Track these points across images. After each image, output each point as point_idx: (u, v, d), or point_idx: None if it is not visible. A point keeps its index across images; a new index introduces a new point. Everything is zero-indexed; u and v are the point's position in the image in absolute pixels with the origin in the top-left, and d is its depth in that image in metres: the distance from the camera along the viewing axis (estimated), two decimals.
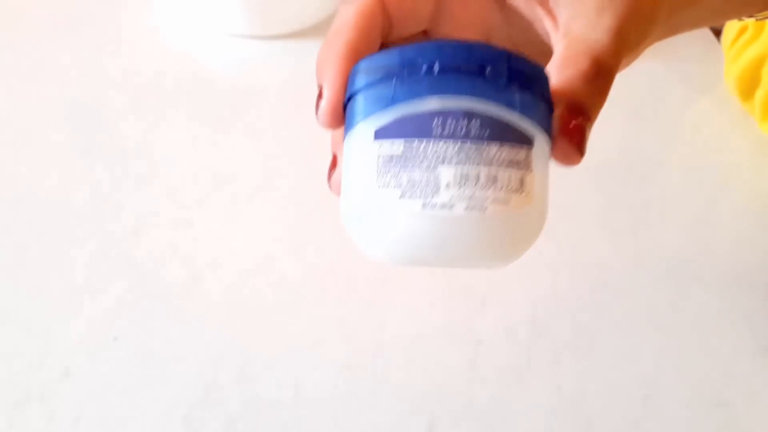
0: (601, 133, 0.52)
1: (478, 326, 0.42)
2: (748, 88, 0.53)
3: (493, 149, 0.22)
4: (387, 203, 0.22)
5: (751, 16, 0.34)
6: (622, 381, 0.41)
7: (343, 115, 0.25)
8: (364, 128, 0.23)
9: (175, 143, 0.50)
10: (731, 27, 0.54)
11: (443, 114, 0.22)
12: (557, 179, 0.49)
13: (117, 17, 0.58)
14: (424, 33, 0.29)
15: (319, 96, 0.25)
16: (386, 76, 0.23)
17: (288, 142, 0.50)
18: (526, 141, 0.23)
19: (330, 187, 0.26)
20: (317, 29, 0.57)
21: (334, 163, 0.26)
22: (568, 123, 0.24)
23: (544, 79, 0.24)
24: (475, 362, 0.41)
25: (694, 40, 0.59)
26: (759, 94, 0.52)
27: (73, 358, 0.40)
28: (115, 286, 0.43)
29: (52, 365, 0.39)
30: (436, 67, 0.23)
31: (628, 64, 0.30)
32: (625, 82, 0.56)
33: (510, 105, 0.23)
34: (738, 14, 0.34)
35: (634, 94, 0.55)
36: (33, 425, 0.38)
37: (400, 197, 0.22)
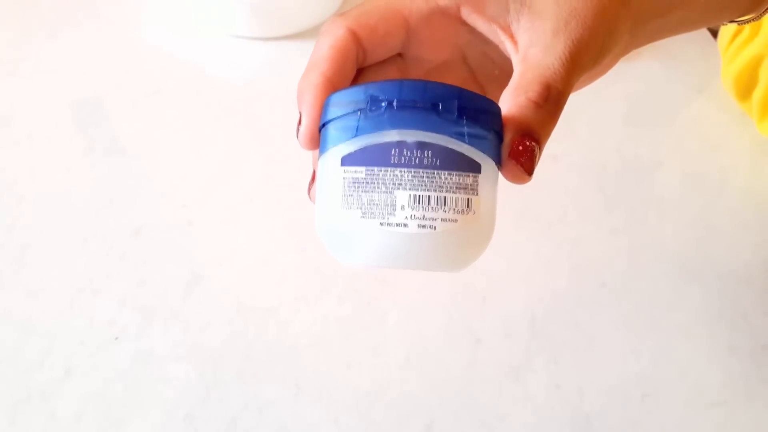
0: (599, 133, 0.53)
1: (477, 326, 0.42)
2: (745, 88, 0.53)
3: (444, 176, 0.25)
4: (350, 222, 0.26)
5: (732, 21, 0.34)
6: (621, 380, 0.41)
7: (318, 138, 0.28)
8: (333, 155, 0.26)
9: (177, 143, 0.50)
10: (728, 27, 0.54)
11: (400, 145, 0.26)
12: (555, 179, 0.49)
13: (119, 18, 0.58)
14: (400, 55, 0.31)
15: (299, 122, 0.28)
16: (352, 110, 0.26)
17: (288, 141, 0.50)
18: (473, 168, 0.26)
19: (310, 198, 0.29)
20: (317, 31, 0.57)
21: (313, 178, 0.29)
22: (517, 146, 0.26)
23: (494, 112, 0.27)
24: (474, 361, 0.41)
25: (691, 41, 0.59)
26: (757, 93, 0.52)
27: (75, 357, 0.40)
28: (116, 286, 0.43)
29: (54, 365, 0.40)
30: (395, 104, 0.26)
31: (597, 76, 0.31)
32: (623, 82, 0.56)
33: (459, 137, 0.26)
34: (715, 21, 0.35)
35: (632, 95, 0.55)
36: (34, 424, 0.38)
37: (361, 216, 0.25)
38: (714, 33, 0.59)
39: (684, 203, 0.49)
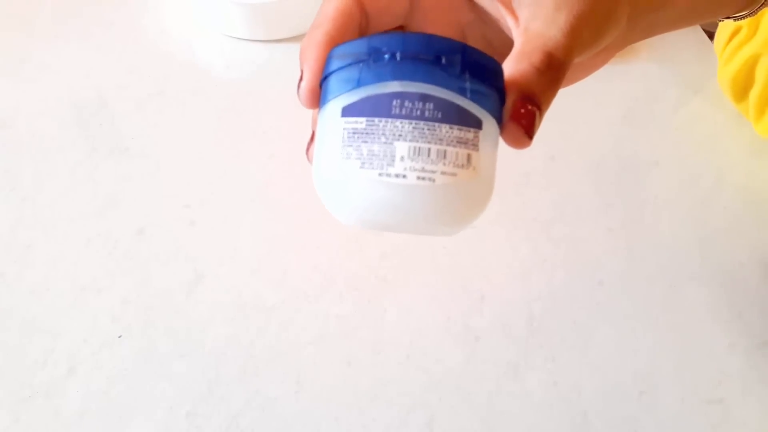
0: (596, 133, 0.53)
1: (476, 323, 0.43)
2: (742, 88, 0.53)
3: (444, 129, 0.25)
4: (349, 172, 0.25)
5: (728, 17, 0.35)
6: (618, 377, 0.41)
7: (319, 95, 0.27)
8: (334, 105, 0.26)
9: (179, 144, 0.51)
10: (724, 29, 0.55)
11: (402, 96, 0.25)
12: (553, 179, 0.49)
13: (121, 20, 0.59)
14: (401, 28, 0.31)
15: (300, 78, 0.28)
16: (355, 62, 0.26)
17: (289, 142, 0.51)
18: (474, 124, 0.25)
19: (307, 158, 0.29)
20: None
21: (312, 138, 0.29)
22: (519, 109, 0.26)
23: (496, 71, 0.26)
24: (473, 359, 0.41)
25: (687, 42, 0.60)
26: (753, 93, 0.52)
27: (78, 355, 0.40)
28: (119, 285, 0.43)
29: (57, 363, 0.40)
30: (398, 56, 0.25)
31: (593, 68, 0.31)
32: (619, 83, 0.57)
33: (461, 91, 0.25)
34: (712, 16, 0.35)
35: (628, 95, 0.56)
36: (38, 422, 0.38)
37: (360, 167, 0.25)
38: (710, 34, 0.60)
39: (680, 203, 0.49)
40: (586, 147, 0.52)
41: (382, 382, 0.40)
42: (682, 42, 0.59)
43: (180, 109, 0.53)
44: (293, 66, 0.62)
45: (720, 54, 0.55)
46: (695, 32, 0.60)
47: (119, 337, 0.41)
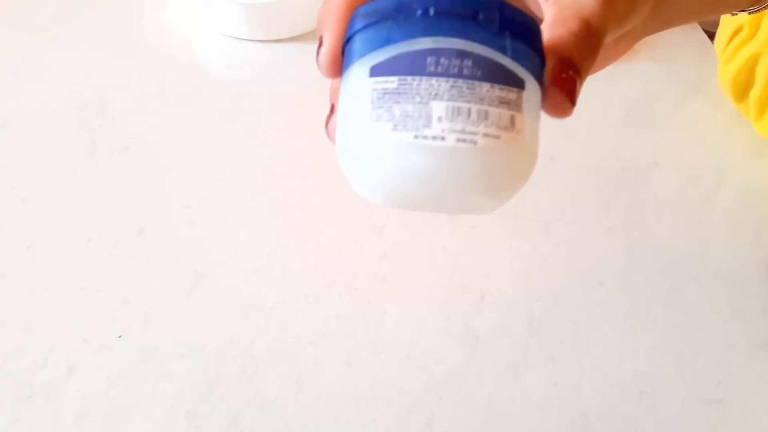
0: (596, 133, 0.53)
1: (476, 323, 0.43)
2: (742, 88, 0.53)
3: (485, 87, 0.23)
4: (380, 135, 0.22)
5: (742, 10, 0.35)
6: (618, 377, 0.41)
7: (341, 61, 0.25)
8: (361, 66, 0.24)
9: (179, 144, 0.51)
10: (725, 28, 0.55)
11: (437, 53, 0.23)
12: (553, 179, 0.50)
13: (121, 20, 0.59)
14: None
15: (320, 45, 0.26)
16: (383, 19, 0.24)
17: (289, 142, 0.51)
18: (517, 83, 0.23)
19: (327, 133, 0.27)
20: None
21: (331, 111, 0.27)
22: (560, 75, 0.24)
23: (536, 31, 0.25)
24: (473, 359, 0.41)
25: (687, 42, 0.60)
26: (753, 93, 0.52)
27: (78, 355, 0.40)
28: (119, 285, 0.43)
29: (57, 363, 0.40)
30: (431, 11, 0.23)
31: (615, 56, 0.31)
32: (619, 83, 0.57)
33: (501, 49, 0.23)
34: (728, 8, 0.35)
35: (628, 96, 0.56)
36: (38, 422, 0.38)
37: (393, 129, 0.22)
38: (710, 34, 0.60)
39: (680, 203, 0.49)
40: (586, 147, 0.52)
41: (382, 382, 0.40)
42: (682, 42, 0.59)
43: (180, 109, 0.53)
44: (293, 66, 0.63)
45: (720, 54, 0.55)
46: (695, 32, 0.60)
47: (119, 337, 0.41)
